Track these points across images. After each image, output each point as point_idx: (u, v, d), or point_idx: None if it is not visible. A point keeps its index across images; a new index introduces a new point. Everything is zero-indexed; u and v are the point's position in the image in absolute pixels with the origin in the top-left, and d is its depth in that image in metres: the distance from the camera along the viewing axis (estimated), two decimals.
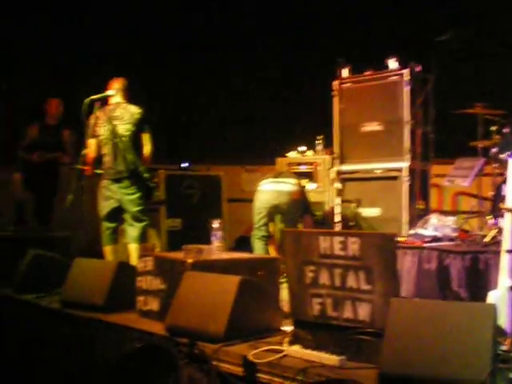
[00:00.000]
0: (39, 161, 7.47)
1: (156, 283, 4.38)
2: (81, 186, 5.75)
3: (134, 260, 5.66)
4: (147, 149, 6.07)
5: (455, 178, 6.37)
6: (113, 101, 6.15)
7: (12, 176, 7.60)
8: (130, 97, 6.22)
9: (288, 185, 6.84)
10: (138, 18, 9.51)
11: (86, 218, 5.73)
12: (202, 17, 10.00)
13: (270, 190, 6.82)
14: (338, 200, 7.04)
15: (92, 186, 6.13)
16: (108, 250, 6.10)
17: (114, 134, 6.04)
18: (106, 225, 6.15)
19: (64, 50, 9.04)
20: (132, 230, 6.06)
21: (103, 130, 6.09)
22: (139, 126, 6.05)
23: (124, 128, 6.03)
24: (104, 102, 6.07)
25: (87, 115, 5.80)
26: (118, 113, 6.08)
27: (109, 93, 5.96)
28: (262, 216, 6.81)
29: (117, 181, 6.05)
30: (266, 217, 6.82)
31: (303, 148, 8.01)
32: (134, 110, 6.07)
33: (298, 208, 6.88)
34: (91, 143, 6.13)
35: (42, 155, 7.46)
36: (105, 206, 6.11)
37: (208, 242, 4.79)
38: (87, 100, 5.78)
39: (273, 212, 6.84)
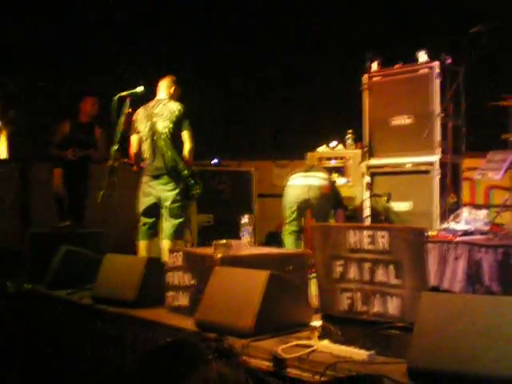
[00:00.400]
0: (73, 158, 7.52)
1: (185, 279, 4.39)
2: (112, 181, 5.78)
3: (165, 256, 5.68)
4: (187, 146, 6.05)
5: (487, 172, 6.29)
6: (157, 97, 6.20)
7: (52, 172, 7.65)
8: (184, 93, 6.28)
9: (318, 179, 6.82)
10: None
11: (117, 215, 5.77)
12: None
13: (301, 184, 6.80)
14: (367, 194, 6.99)
15: (124, 182, 6.18)
16: (142, 245, 6.13)
17: (153, 130, 6.08)
18: (143, 220, 6.20)
19: (103, 49, 9.12)
20: (167, 226, 6.08)
21: (143, 127, 6.14)
22: (179, 124, 6.04)
23: (163, 125, 6.05)
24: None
25: (117, 112, 5.82)
26: (157, 110, 6.11)
27: (138, 89, 5.98)
28: (293, 211, 6.79)
29: (156, 177, 6.09)
30: (297, 211, 6.80)
31: (334, 143, 7.98)
32: (174, 107, 6.08)
33: (329, 202, 6.86)
34: (133, 139, 6.22)
35: (75, 152, 7.52)
36: (143, 202, 6.17)
37: (238, 237, 4.79)
38: (116, 97, 5.81)
39: (303, 207, 6.82)
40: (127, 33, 9.46)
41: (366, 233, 3.20)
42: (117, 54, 9.34)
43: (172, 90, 6.22)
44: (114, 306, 4.48)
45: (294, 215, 6.80)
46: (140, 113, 6.20)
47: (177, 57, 9.28)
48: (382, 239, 3.12)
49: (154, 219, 6.17)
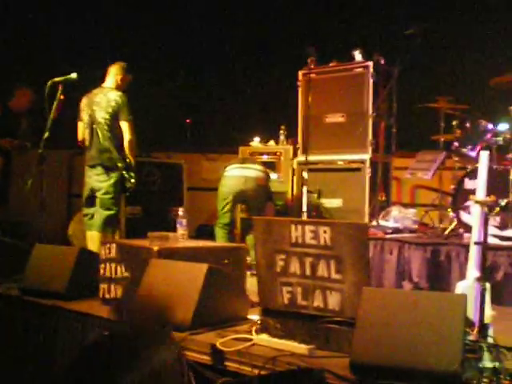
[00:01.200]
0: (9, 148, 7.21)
1: (119, 271, 4.32)
2: (41, 170, 5.62)
3: (94, 247, 5.57)
4: (126, 138, 5.92)
5: (417, 171, 6.44)
6: (103, 85, 6.08)
7: None
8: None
9: (254, 171, 6.81)
10: None
11: (47, 204, 5.62)
12: None
13: (237, 175, 6.76)
14: (305, 189, 7.02)
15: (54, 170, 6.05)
16: (88, 235, 6.02)
17: (92, 119, 5.98)
18: (84, 210, 6.12)
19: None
20: (98, 217, 5.97)
21: (84, 115, 6.04)
22: (116, 114, 5.92)
23: (100, 115, 5.94)
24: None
25: (49, 98, 5.66)
26: (98, 98, 5.99)
27: (72, 75, 5.82)
28: (228, 201, 6.73)
29: (92, 167, 6.01)
30: (232, 203, 6.75)
31: (258, 139, 8.00)
32: (112, 97, 5.95)
33: (265, 194, 6.87)
34: (79, 126, 6.14)
35: (11, 141, 7.22)
36: (84, 191, 6.09)
37: (168, 229, 4.75)
38: (49, 83, 5.65)
39: (239, 198, 6.77)
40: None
41: (308, 227, 3.21)
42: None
43: (119, 78, 6.09)
44: (44, 298, 4.37)
45: (228, 206, 6.74)
46: (83, 100, 6.10)
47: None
48: (325, 234, 3.14)
49: (94, 209, 6.05)
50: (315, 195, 6.98)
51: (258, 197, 6.77)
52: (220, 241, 6.65)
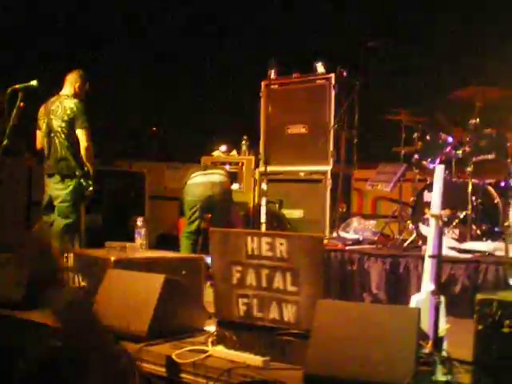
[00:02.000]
0: None
1: (77, 280, 4.28)
2: None
3: None
4: (82, 145, 5.87)
5: (377, 183, 6.48)
6: (61, 93, 6.02)
7: None
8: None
9: (218, 175, 6.80)
10: None
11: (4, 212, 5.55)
12: None
13: (203, 181, 6.73)
14: (264, 200, 7.03)
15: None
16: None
17: (49, 128, 5.93)
18: (44, 218, 6.07)
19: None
20: (55, 226, 5.91)
21: (42, 123, 6.00)
22: (72, 122, 5.87)
23: (56, 123, 5.88)
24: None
25: (8, 105, 5.59)
26: (54, 106, 5.94)
27: (32, 83, 5.75)
28: (196, 209, 6.68)
29: (49, 176, 5.98)
30: (200, 210, 6.69)
31: (224, 148, 7.99)
32: (68, 105, 5.90)
33: (230, 198, 6.89)
34: (37, 135, 6.11)
35: None
36: (43, 200, 6.05)
37: (129, 239, 4.72)
38: (9, 90, 5.58)
39: (206, 205, 6.71)
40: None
41: (264, 239, 3.21)
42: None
43: (77, 85, 6.04)
44: (1, 308, 4.30)
45: (197, 214, 6.69)
46: (41, 109, 6.06)
47: None
48: (281, 246, 3.14)
49: (53, 217, 5.99)
50: (277, 205, 7.00)
51: (225, 200, 6.78)
52: (184, 251, 6.62)
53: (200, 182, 6.75)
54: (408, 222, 6.10)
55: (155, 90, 9.97)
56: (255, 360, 3.05)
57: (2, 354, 3.91)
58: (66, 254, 4.44)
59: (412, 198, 6.08)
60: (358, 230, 6.37)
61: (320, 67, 6.95)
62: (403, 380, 2.52)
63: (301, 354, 2.96)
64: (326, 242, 6.08)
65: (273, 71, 7.14)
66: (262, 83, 7.24)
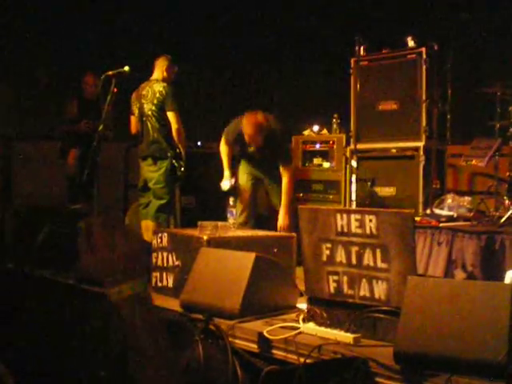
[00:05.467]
0: (88, 130, 7.18)
1: (170, 260, 4.39)
2: (95, 162, 5.72)
3: (146, 236, 5.67)
4: (173, 128, 6.01)
5: (472, 158, 6.31)
6: (151, 78, 6.19)
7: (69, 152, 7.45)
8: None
9: None
10: None
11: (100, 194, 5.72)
12: None
13: None
14: (354, 178, 6.98)
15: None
16: (143, 224, 6.14)
17: (141, 112, 6.10)
18: (140, 200, 6.30)
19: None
20: (151, 207, 6.08)
21: (135, 108, 6.19)
22: (162, 105, 6.01)
23: (148, 107, 6.05)
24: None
25: (103, 91, 5.76)
26: (145, 91, 6.11)
27: (125, 68, 5.91)
28: None
29: (143, 158, 6.17)
30: None
31: (316, 128, 7.96)
32: (157, 89, 6.05)
33: None
34: (131, 120, 6.32)
35: (90, 124, 7.18)
36: (139, 182, 6.26)
37: (222, 219, 4.79)
38: (102, 76, 5.74)
39: None
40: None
41: (353, 216, 3.21)
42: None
43: (164, 69, 6.17)
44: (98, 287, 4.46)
45: None
46: (133, 95, 6.24)
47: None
48: (370, 223, 3.14)
49: (149, 199, 6.17)
50: (369, 183, 6.93)
51: None
52: None
53: None
54: (504, 197, 5.93)
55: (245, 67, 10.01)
56: (346, 337, 3.06)
57: (100, 328, 4.08)
58: (160, 235, 4.55)
59: (508, 173, 5.90)
60: (452, 206, 6.24)
61: (410, 41, 6.80)
62: (497, 357, 2.47)
63: (391, 331, 2.96)
64: (419, 219, 6.01)
65: (362, 48, 7.05)
66: (352, 60, 7.16)
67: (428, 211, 6.25)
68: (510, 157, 6.20)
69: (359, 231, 3.17)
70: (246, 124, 5.83)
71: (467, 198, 6.40)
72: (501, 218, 5.70)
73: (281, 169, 5.99)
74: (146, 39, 9.02)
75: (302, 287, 3.83)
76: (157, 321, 3.08)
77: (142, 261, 4.48)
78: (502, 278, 4.67)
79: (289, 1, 9.44)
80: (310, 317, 3.37)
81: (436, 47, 6.74)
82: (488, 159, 6.11)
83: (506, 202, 5.84)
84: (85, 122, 7.15)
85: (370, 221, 3.13)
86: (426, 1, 7.99)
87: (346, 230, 3.22)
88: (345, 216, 3.23)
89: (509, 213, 5.66)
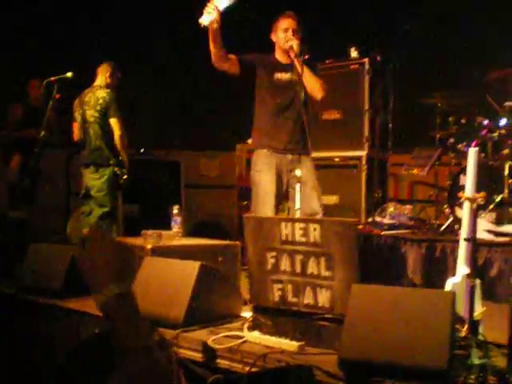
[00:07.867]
0: (38, 136, 7.01)
1: None
2: (37, 168, 5.65)
3: None
4: (115, 134, 5.97)
5: (413, 167, 6.44)
6: (93, 84, 6.11)
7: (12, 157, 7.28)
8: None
9: None
10: None
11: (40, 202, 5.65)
12: None
13: None
14: (298, 187, 7.00)
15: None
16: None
17: (83, 119, 6.03)
18: (82, 208, 6.21)
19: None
20: (93, 215, 6.02)
21: (77, 115, 6.11)
22: (104, 112, 5.95)
23: (90, 113, 5.98)
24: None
25: (45, 97, 5.69)
26: (87, 98, 6.05)
27: (68, 74, 5.85)
28: None
29: (86, 166, 6.09)
30: None
31: None
32: (99, 95, 5.99)
33: None
34: (74, 127, 6.22)
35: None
36: (81, 190, 6.17)
37: (166, 228, 4.76)
38: (44, 82, 5.67)
39: None
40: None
41: (298, 225, 3.22)
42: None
43: (108, 75, 6.12)
44: (40, 296, 4.38)
45: None
46: (76, 101, 6.17)
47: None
48: (314, 232, 3.15)
49: (91, 207, 6.10)
50: None
51: None
52: None
53: None
54: (444, 206, 6.06)
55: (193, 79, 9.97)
56: (290, 345, 3.07)
57: (43, 339, 4.00)
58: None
59: (448, 182, 6.03)
60: (393, 215, 6.35)
61: (354, 52, 6.90)
62: (439, 364, 2.51)
63: (336, 339, 2.98)
64: (361, 227, 6.08)
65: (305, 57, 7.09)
66: None
67: (370, 219, 6.34)
68: (449, 166, 6.34)
69: (303, 240, 3.19)
70: (287, 15, 5.18)
71: (408, 207, 6.53)
72: (441, 226, 5.83)
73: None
74: (89, 45, 8.91)
75: (246, 295, 3.83)
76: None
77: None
78: (442, 286, 4.76)
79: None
80: (254, 325, 3.37)
81: (378, 58, 6.85)
82: (429, 168, 6.24)
83: (446, 210, 5.96)
84: (34, 130, 6.99)
85: (315, 229, 3.15)
86: (368, 12, 8.12)
87: (290, 238, 3.23)
88: (289, 225, 3.24)
89: (449, 221, 5.79)
